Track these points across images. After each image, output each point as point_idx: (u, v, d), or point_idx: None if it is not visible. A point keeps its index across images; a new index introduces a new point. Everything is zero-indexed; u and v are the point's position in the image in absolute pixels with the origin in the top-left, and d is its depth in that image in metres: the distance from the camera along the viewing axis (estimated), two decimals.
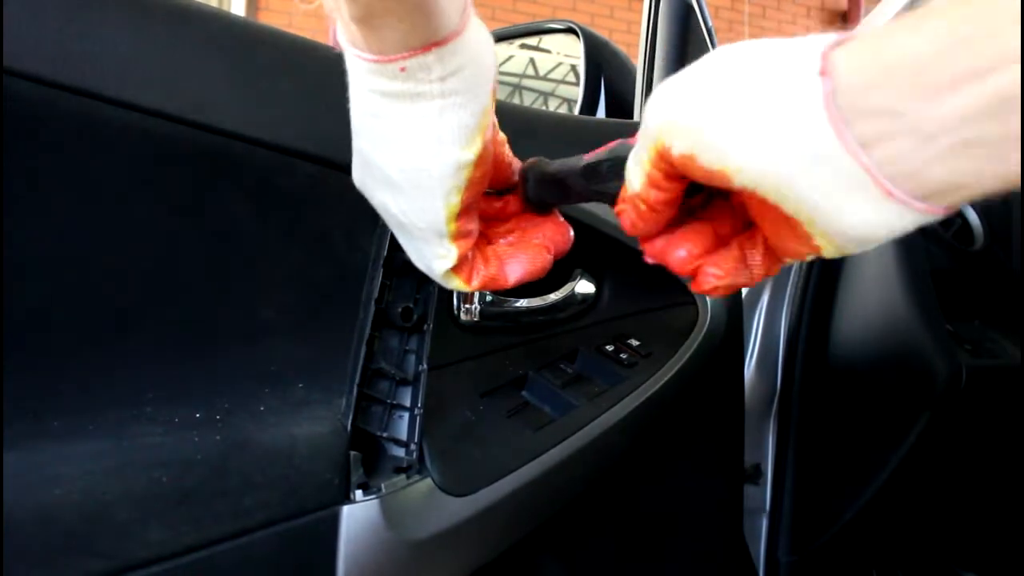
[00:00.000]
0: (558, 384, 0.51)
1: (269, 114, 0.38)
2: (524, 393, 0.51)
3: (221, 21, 0.37)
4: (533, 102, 1.22)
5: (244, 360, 0.38)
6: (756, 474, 1.01)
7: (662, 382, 0.56)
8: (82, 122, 0.32)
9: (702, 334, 0.62)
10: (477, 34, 0.31)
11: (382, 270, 0.41)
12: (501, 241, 0.38)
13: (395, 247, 0.42)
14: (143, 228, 0.35)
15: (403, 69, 0.30)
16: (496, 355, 0.51)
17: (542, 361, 0.53)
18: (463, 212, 0.33)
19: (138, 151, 0.34)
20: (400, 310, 0.42)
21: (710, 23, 0.95)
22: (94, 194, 0.33)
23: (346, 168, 0.40)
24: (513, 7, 4.83)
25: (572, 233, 0.38)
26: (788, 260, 0.31)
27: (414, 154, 0.32)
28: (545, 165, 0.37)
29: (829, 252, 0.27)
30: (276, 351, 0.39)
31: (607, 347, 0.57)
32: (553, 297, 0.56)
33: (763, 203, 0.28)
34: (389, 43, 0.29)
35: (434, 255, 0.35)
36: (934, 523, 1.10)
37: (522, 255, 0.37)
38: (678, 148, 0.27)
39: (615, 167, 0.33)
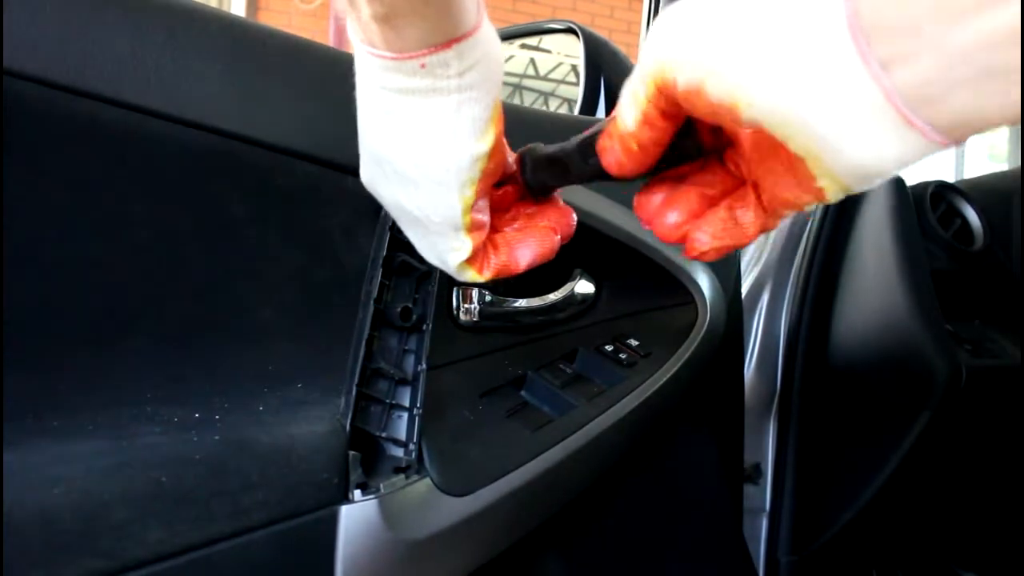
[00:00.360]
0: (557, 384, 0.51)
1: (268, 114, 0.38)
2: (523, 393, 0.51)
3: (220, 21, 0.37)
4: (533, 102, 1.22)
5: (243, 360, 0.38)
6: (756, 474, 1.01)
7: (661, 382, 0.56)
8: (81, 123, 0.32)
9: (702, 334, 0.62)
10: (489, 30, 0.32)
11: (381, 270, 0.41)
12: (507, 228, 0.38)
13: (394, 247, 0.42)
14: (141, 228, 0.35)
15: (423, 66, 0.30)
16: (495, 355, 0.51)
17: (541, 361, 0.53)
18: (477, 204, 0.34)
19: (137, 151, 0.34)
20: (399, 310, 0.42)
21: None
22: (93, 194, 0.33)
23: (345, 168, 0.40)
24: (513, 7, 4.82)
25: (575, 216, 0.39)
26: (785, 212, 0.30)
27: (431, 148, 0.32)
28: (541, 148, 0.37)
29: (831, 193, 0.26)
30: (275, 351, 0.39)
31: (606, 347, 0.57)
32: (552, 297, 0.56)
33: (765, 145, 0.27)
34: (410, 41, 0.30)
35: (448, 248, 0.35)
36: (934, 523, 1.10)
37: (530, 239, 0.37)
38: (684, 80, 0.26)
39: None
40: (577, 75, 1.06)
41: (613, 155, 0.31)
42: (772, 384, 1.00)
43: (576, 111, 1.01)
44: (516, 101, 1.20)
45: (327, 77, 0.41)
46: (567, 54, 1.14)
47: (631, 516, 0.63)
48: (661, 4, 0.93)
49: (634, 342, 0.58)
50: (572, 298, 0.57)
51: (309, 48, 0.41)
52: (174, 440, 0.33)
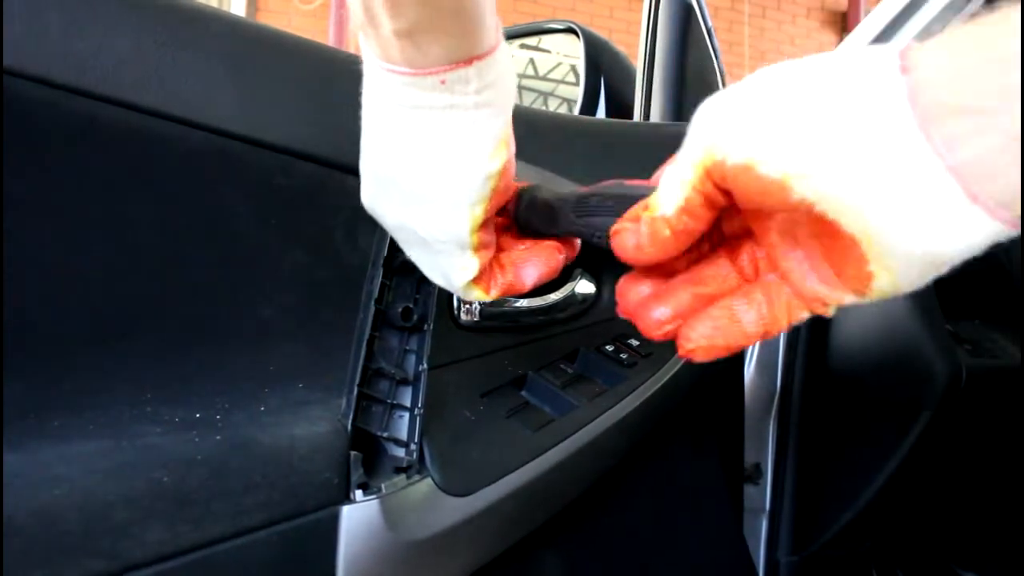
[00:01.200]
0: (558, 384, 0.51)
1: (270, 114, 0.38)
2: (524, 393, 0.51)
3: (221, 21, 0.37)
4: (533, 102, 1.22)
5: (244, 360, 0.38)
6: (756, 474, 1.01)
7: (662, 382, 0.56)
8: (82, 122, 0.32)
9: None
10: (505, 51, 0.32)
11: (382, 270, 0.41)
12: (514, 248, 0.38)
13: (395, 247, 0.42)
14: (143, 228, 0.35)
15: (443, 82, 0.30)
16: (496, 355, 0.51)
17: (542, 361, 0.53)
18: (484, 223, 0.34)
19: (137, 151, 0.34)
20: (400, 310, 0.42)
21: (710, 23, 0.95)
22: (94, 194, 0.33)
23: (346, 168, 0.40)
24: (513, 7, 4.83)
25: (579, 241, 0.39)
26: (803, 314, 0.28)
27: (444, 165, 0.32)
28: (539, 191, 0.37)
29: (879, 284, 0.25)
30: (276, 351, 0.39)
31: (607, 347, 0.57)
32: (553, 297, 0.55)
33: (803, 232, 0.25)
34: (432, 56, 0.30)
35: (454, 267, 0.35)
36: (934, 523, 1.10)
37: (535, 258, 0.37)
38: (734, 157, 0.25)
39: (603, 203, 0.33)
40: (576, 75, 1.06)
41: (634, 238, 0.29)
42: (772, 384, 1.00)
43: (576, 111, 1.01)
44: (516, 101, 1.20)
45: (328, 77, 0.41)
46: (566, 54, 1.15)
47: (631, 516, 0.63)
48: (661, 4, 0.93)
49: (635, 342, 0.58)
50: (573, 298, 0.57)
51: (310, 48, 0.41)
52: (175, 440, 0.33)
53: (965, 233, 0.22)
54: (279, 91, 0.39)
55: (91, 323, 0.33)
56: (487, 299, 0.36)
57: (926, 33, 0.85)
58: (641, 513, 0.64)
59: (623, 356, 0.56)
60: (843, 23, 6.04)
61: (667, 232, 0.28)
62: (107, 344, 0.34)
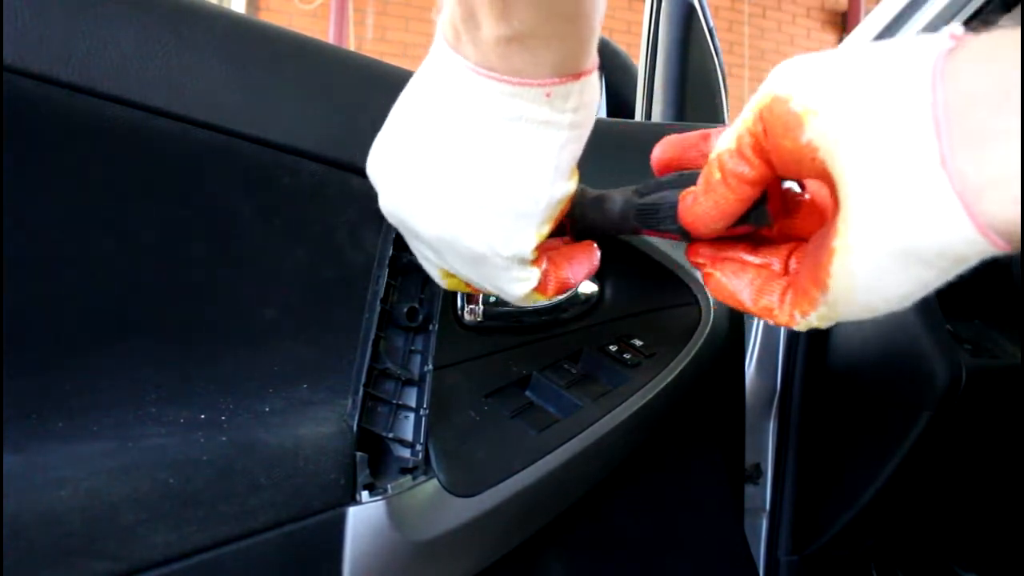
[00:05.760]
0: (562, 384, 0.51)
1: (274, 113, 0.38)
2: (528, 393, 0.51)
3: (225, 19, 0.37)
4: None
5: (248, 361, 0.38)
6: (756, 474, 1.01)
7: (665, 382, 0.56)
8: (86, 120, 0.32)
9: (705, 334, 0.62)
10: (596, 75, 0.32)
11: (387, 270, 0.41)
12: (556, 247, 0.38)
13: (400, 247, 0.42)
14: (146, 227, 0.35)
15: (548, 95, 0.29)
16: (500, 355, 0.51)
17: (546, 361, 0.53)
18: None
19: (141, 150, 0.34)
20: (405, 310, 0.42)
21: (711, 23, 0.95)
22: (98, 193, 0.33)
23: (351, 167, 0.40)
24: None
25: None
26: (791, 312, 0.30)
27: (526, 182, 0.31)
28: (588, 190, 0.38)
29: (839, 282, 0.26)
30: (280, 352, 0.39)
31: (611, 347, 0.57)
32: (556, 297, 0.55)
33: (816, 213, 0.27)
34: (541, 66, 0.29)
35: (512, 280, 0.34)
36: (934, 523, 1.10)
37: (582, 255, 0.37)
38: (779, 90, 0.26)
39: (665, 183, 0.34)
40: None
41: (691, 195, 0.31)
42: (772, 384, 1.00)
43: None
44: None
45: (334, 76, 0.41)
46: None
47: (633, 515, 0.63)
48: (662, 4, 0.92)
49: (638, 342, 0.58)
50: (576, 298, 0.57)
51: (315, 47, 0.41)
52: (181, 442, 0.33)
53: (941, 227, 0.22)
54: (285, 90, 0.39)
55: (92, 323, 0.33)
56: (546, 300, 0.37)
57: (931, 29, 0.85)
58: (643, 512, 0.64)
59: (626, 356, 0.56)
60: (843, 23, 6.05)
61: (718, 175, 0.29)
62: (110, 344, 0.34)
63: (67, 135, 0.32)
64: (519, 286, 0.35)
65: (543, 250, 0.36)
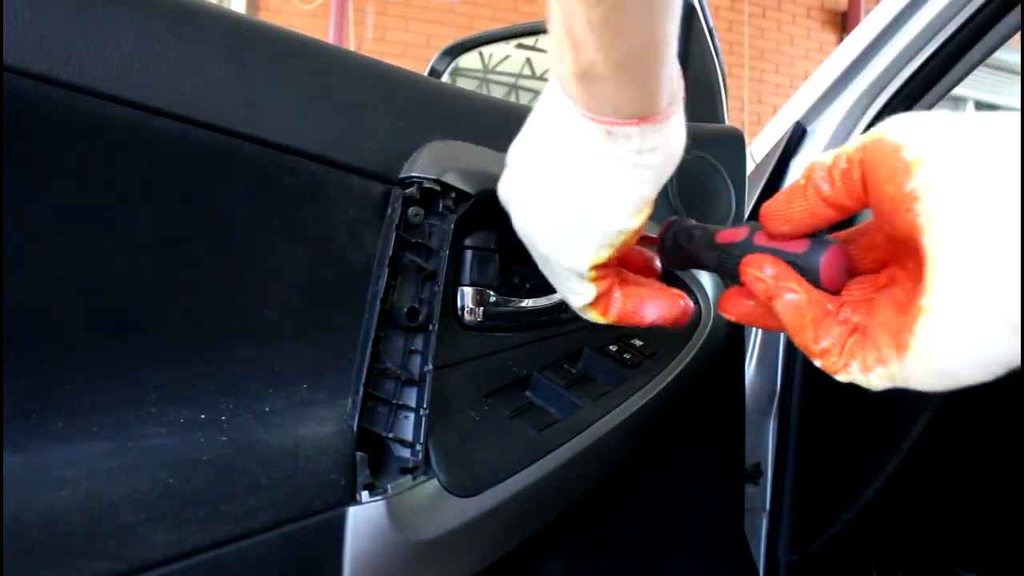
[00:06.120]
0: (562, 384, 0.51)
1: (274, 113, 0.38)
2: (528, 393, 0.51)
3: (225, 19, 0.37)
4: (529, 102, 1.22)
5: (248, 361, 0.38)
6: (756, 474, 1.01)
7: (665, 382, 0.56)
8: (85, 120, 0.32)
9: (704, 334, 0.62)
10: (679, 124, 0.33)
11: (387, 270, 0.41)
12: (641, 281, 0.40)
13: (400, 246, 0.42)
14: (146, 227, 0.35)
15: (609, 133, 0.31)
16: (500, 355, 0.51)
17: (546, 361, 0.53)
18: (606, 263, 0.36)
19: (141, 149, 0.34)
20: (405, 310, 0.42)
21: (711, 23, 0.94)
22: (97, 193, 0.33)
23: (351, 168, 0.40)
24: (513, 7, 4.82)
25: (692, 306, 0.40)
26: (863, 365, 0.30)
27: (587, 210, 0.33)
28: (685, 220, 0.40)
29: (923, 341, 0.26)
30: (280, 352, 0.39)
31: (611, 347, 0.57)
32: (556, 297, 0.55)
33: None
34: (603, 105, 0.30)
35: (571, 290, 0.38)
36: (934, 523, 1.10)
37: (661, 300, 0.39)
38: (892, 136, 0.26)
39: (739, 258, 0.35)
40: None
41: (774, 202, 0.32)
42: (772, 384, 1.00)
43: None
44: (512, 101, 1.20)
45: (334, 76, 0.41)
46: None
47: (633, 515, 0.63)
48: None
49: (638, 342, 0.58)
50: None
51: (315, 47, 0.41)
52: (181, 442, 0.33)
53: (1005, 348, 0.24)
54: (285, 90, 0.39)
55: (92, 323, 0.33)
56: (603, 322, 0.39)
57: (931, 29, 0.85)
58: (643, 512, 0.64)
59: (626, 356, 0.56)
60: (843, 23, 6.05)
61: (803, 180, 0.30)
62: (110, 344, 0.34)
63: (67, 135, 0.32)
64: (575, 298, 0.38)
65: (622, 277, 0.39)
